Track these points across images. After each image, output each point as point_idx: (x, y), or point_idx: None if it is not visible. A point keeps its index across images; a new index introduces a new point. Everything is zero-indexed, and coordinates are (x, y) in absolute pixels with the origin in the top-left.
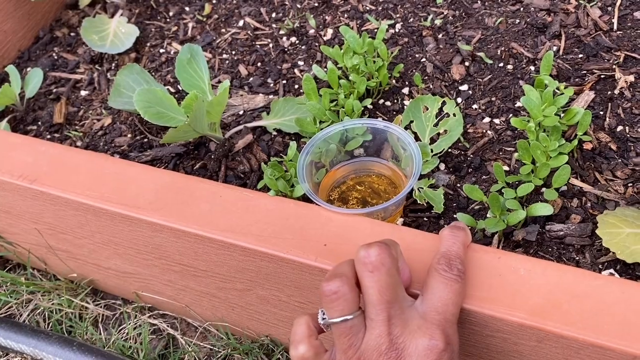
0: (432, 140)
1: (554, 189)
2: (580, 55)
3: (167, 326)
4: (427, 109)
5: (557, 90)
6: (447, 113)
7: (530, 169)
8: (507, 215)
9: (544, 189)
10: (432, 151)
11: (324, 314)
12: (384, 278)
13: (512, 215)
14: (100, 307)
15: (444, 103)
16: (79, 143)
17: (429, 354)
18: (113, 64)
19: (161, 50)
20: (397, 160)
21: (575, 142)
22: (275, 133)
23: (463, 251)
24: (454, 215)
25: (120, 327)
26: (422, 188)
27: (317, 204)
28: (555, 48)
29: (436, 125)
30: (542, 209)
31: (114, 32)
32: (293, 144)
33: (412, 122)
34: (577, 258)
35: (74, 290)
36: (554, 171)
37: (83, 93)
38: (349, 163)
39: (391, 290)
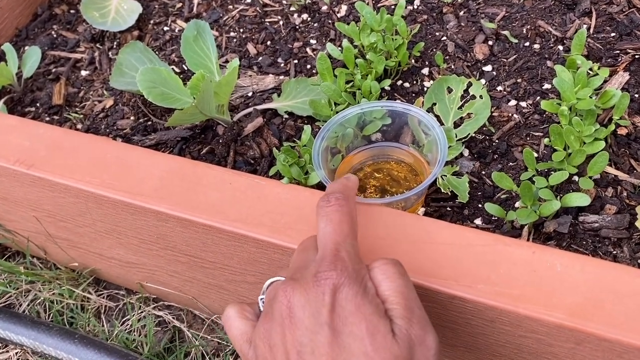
0: (456, 125)
1: (588, 177)
2: (613, 34)
3: (173, 318)
4: (451, 90)
5: (589, 71)
6: (472, 95)
7: (563, 156)
8: (539, 205)
9: (576, 177)
10: (456, 136)
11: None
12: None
13: (545, 205)
14: (103, 297)
15: (469, 84)
16: (79, 126)
17: (316, 280)
18: (115, 43)
19: (165, 28)
20: (419, 146)
21: (612, 126)
22: (286, 116)
23: (344, 187)
24: (479, 205)
25: (124, 319)
26: (446, 175)
27: None
28: (585, 26)
29: (460, 108)
30: (578, 199)
31: (116, 9)
32: (307, 128)
33: (434, 104)
34: (615, 252)
35: (75, 280)
36: (589, 158)
37: (83, 73)
38: (366, 148)
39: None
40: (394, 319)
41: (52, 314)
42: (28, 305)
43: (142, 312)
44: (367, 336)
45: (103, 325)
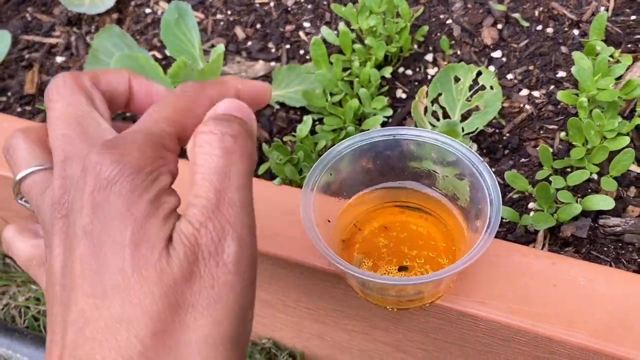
0: (464, 118)
1: (610, 177)
2: (633, 17)
3: None
4: (458, 80)
5: (610, 59)
6: (482, 85)
7: (583, 153)
8: (557, 208)
9: (595, 175)
10: (463, 130)
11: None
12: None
13: (563, 209)
14: None
15: (479, 73)
16: None
17: (85, 173)
18: (93, 27)
19: (147, 10)
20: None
21: (637, 120)
22: (277, 107)
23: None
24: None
25: None
26: (447, 176)
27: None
28: (602, 8)
29: (469, 99)
30: (601, 203)
31: None
32: (308, 119)
33: (440, 95)
34: (639, 260)
35: None
36: (610, 155)
37: (59, 59)
38: (375, 189)
39: (68, 124)
40: (183, 218)
41: (27, 320)
42: (2, 309)
43: None
44: (129, 246)
45: None
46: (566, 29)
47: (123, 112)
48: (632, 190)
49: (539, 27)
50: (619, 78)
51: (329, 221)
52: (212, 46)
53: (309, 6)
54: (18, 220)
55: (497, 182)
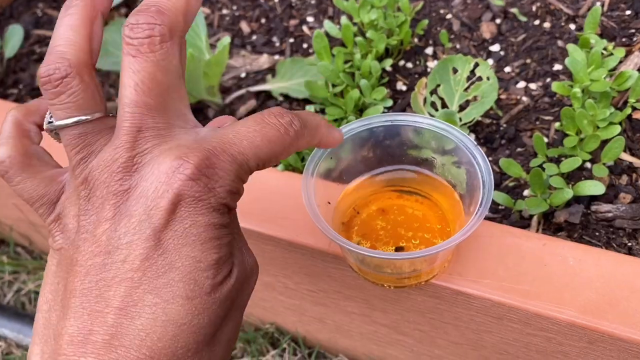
0: (461, 108)
1: (602, 164)
2: (628, 12)
3: None
4: (456, 71)
5: (604, 51)
6: (479, 77)
7: (575, 142)
8: (550, 194)
9: (588, 164)
10: (460, 120)
11: (51, 116)
12: (152, 69)
13: (556, 194)
14: None
15: (476, 65)
16: None
17: (169, 177)
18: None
19: None
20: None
21: (628, 110)
22: (281, 98)
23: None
24: None
25: None
26: (445, 165)
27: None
28: (599, 3)
29: (466, 90)
30: (592, 188)
31: None
32: (310, 109)
33: (438, 86)
34: (630, 244)
35: None
36: (602, 144)
37: None
38: (373, 174)
39: (158, 91)
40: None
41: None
42: (12, 296)
43: None
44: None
45: None
46: (563, 23)
47: None
48: (624, 178)
49: (537, 22)
50: (612, 70)
51: (329, 203)
52: (218, 40)
53: (313, 1)
54: (16, 140)
55: (489, 165)
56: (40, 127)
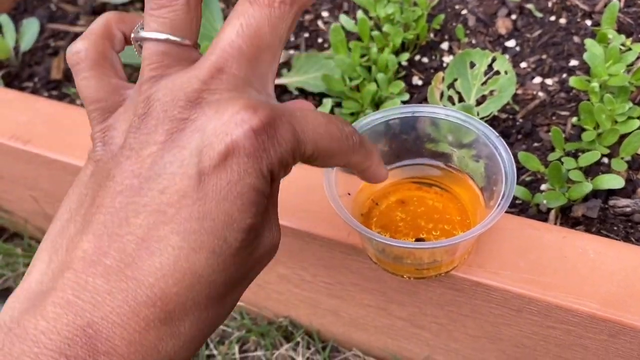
0: (478, 103)
1: (621, 158)
2: None
3: None
4: (474, 65)
5: (622, 47)
6: (496, 71)
7: (593, 136)
8: (568, 188)
9: (605, 159)
10: (478, 114)
11: (142, 27)
12: (262, 20)
13: (574, 188)
14: None
15: (493, 59)
16: (78, 102)
17: (233, 122)
18: None
19: None
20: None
21: None
22: (297, 93)
23: None
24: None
25: None
26: (464, 157)
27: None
28: None
29: (484, 84)
30: (611, 182)
31: None
32: (327, 102)
33: (456, 80)
34: None
35: None
36: (621, 139)
37: None
38: (392, 167)
39: (257, 44)
40: None
41: None
42: None
43: None
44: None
45: None
46: (579, 19)
47: None
48: None
49: (552, 18)
50: (630, 65)
51: (349, 194)
52: None
53: None
54: (98, 39)
55: (512, 156)
56: (127, 38)
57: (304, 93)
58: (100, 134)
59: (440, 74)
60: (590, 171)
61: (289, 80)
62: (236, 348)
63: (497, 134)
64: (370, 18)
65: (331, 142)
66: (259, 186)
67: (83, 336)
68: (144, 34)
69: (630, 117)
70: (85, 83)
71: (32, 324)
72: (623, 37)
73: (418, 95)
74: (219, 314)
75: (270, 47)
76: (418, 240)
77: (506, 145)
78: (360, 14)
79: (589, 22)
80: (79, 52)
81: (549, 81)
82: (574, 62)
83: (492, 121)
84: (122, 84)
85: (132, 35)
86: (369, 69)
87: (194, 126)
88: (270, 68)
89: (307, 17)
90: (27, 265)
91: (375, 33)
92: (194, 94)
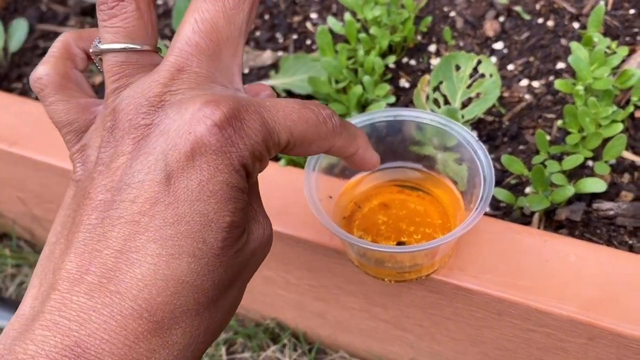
0: (464, 105)
1: (604, 162)
2: (632, 11)
3: None
4: (459, 68)
5: (607, 50)
6: (482, 74)
7: (577, 139)
8: (551, 191)
9: (590, 162)
10: (462, 117)
11: (99, 40)
12: (217, 13)
13: (557, 191)
14: None
15: (479, 62)
16: None
17: (195, 119)
18: None
19: (159, 2)
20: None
21: (631, 108)
22: (285, 94)
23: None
24: None
25: None
26: (446, 161)
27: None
28: (602, 2)
29: (469, 87)
30: (593, 185)
31: None
32: None
33: (441, 82)
34: (631, 242)
35: None
36: (604, 142)
37: None
38: (375, 170)
39: (215, 38)
40: None
41: None
42: (15, 289)
43: None
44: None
45: None
46: (566, 22)
47: None
48: (626, 177)
49: (540, 20)
50: (615, 69)
51: (330, 197)
52: None
53: None
54: (58, 61)
55: (490, 161)
56: (88, 55)
57: (291, 95)
58: (77, 154)
59: (426, 76)
60: (575, 174)
61: (277, 82)
62: (223, 350)
63: (477, 138)
64: (358, 20)
65: (307, 128)
66: (233, 182)
67: (72, 356)
68: (101, 46)
69: (614, 121)
70: (54, 108)
71: (22, 349)
72: (608, 40)
73: (405, 97)
74: (214, 318)
75: (229, 40)
76: (399, 243)
77: (485, 149)
78: (348, 16)
79: (576, 25)
80: (41, 77)
81: (535, 84)
82: (560, 65)
83: (479, 124)
84: (91, 102)
85: (91, 50)
86: (355, 71)
87: (158, 130)
88: (234, 61)
89: (296, 18)
90: (15, 266)
91: (363, 35)
92: (156, 98)
